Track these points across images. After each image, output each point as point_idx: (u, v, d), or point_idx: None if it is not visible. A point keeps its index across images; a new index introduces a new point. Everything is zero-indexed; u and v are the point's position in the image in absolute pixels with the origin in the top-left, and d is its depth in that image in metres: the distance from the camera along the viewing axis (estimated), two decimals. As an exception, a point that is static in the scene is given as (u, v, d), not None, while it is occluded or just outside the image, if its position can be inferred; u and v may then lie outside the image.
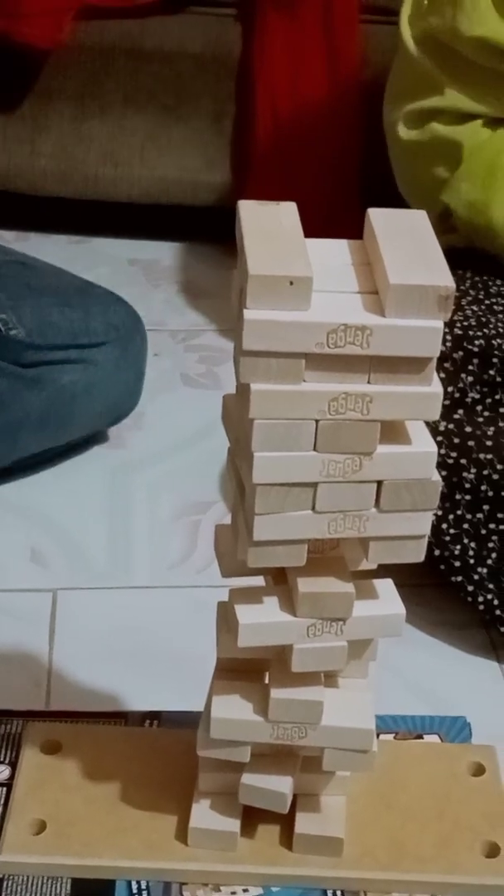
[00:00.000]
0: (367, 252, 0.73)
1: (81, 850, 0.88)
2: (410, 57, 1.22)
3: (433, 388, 0.72)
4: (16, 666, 1.07)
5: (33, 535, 1.22)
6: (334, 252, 0.74)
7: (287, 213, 0.73)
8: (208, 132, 1.65)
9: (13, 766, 0.94)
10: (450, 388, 1.11)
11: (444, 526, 1.07)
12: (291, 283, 0.68)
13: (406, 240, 0.71)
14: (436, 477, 0.74)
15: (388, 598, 0.81)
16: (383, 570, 0.81)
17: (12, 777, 0.93)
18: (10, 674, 1.06)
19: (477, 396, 1.11)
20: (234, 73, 1.62)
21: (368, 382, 0.71)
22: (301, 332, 0.69)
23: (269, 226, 0.71)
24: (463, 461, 1.07)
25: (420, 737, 1.00)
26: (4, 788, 0.93)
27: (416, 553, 0.77)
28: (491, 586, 1.08)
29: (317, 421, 0.71)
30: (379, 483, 0.74)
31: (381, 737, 0.95)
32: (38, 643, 1.09)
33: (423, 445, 0.74)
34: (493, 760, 0.95)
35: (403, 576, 0.83)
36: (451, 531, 1.08)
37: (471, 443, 1.08)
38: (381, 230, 0.71)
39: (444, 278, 0.68)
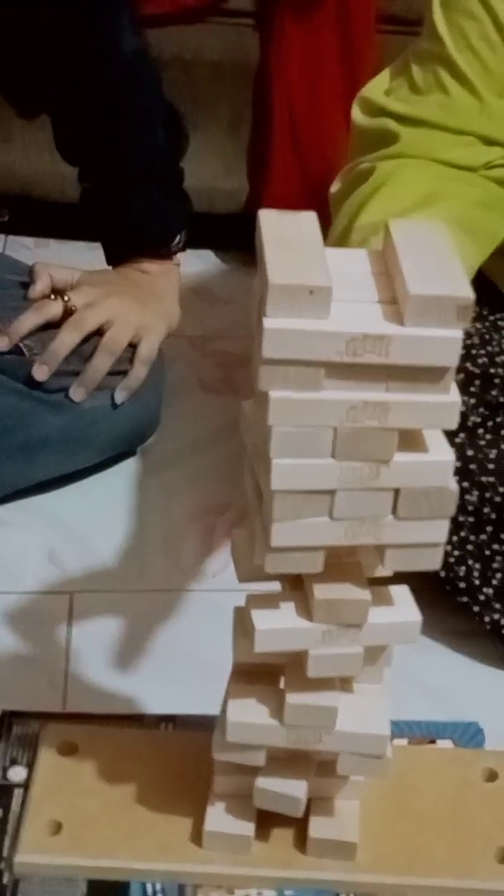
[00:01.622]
0: (385, 262, 0.74)
1: (97, 852, 0.88)
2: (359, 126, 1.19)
3: (451, 397, 0.72)
4: (33, 667, 1.08)
5: (50, 537, 1.23)
6: (353, 261, 0.74)
7: (307, 222, 0.73)
8: (225, 139, 1.65)
9: (30, 767, 0.94)
10: None
11: (448, 548, 1.08)
12: (311, 293, 0.68)
13: (424, 250, 0.72)
14: (453, 485, 0.75)
15: (403, 605, 0.82)
16: (398, 577, 0.82)
17: (29, 778, 0.93)
18: (28, 675, 1.07)
19: (479, 420, 1.11)
20: (252, 82, 1.63)
21: (387, 391, 0.71)
22: (320, 341, 0.69)
23: (288, 235, 0.72)
24: (465, 484, 1.08)
25: (433, 742, 1.00)
26: (21, 789, 0.93)
27: (432, 561, 0.77)
28: (497, 606, 1.08)
29: (335, 429, 0.72)
30: (396, 491, 0.74)
31: (395, 742, 0.96)
32: (55, 645, 1.10)
33: (441, 454, 0.75)
34: (506, 766, 0.95)
35: (418, 583, 0.84)
36: (456, 553, 1.08)
37: (472, 466, 1.08)
38: (401, 241, 0.72)
39: (462, 289, 0.69)
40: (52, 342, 1.22)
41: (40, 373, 1.22)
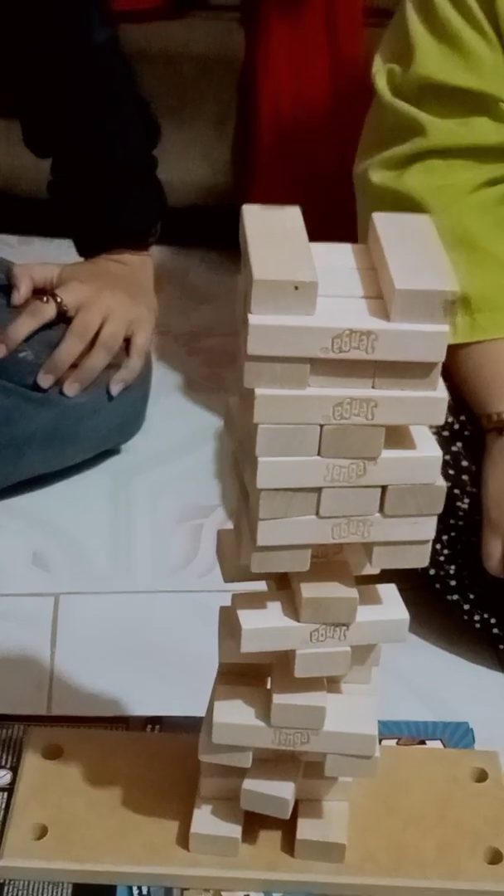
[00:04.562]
0: (371, 256, 0.73)
1: (82, 855, 0.87)
2: (387, 105, 1.16)
3: (438, 392, 0.71)
4: (18, 670, 1.07)
5: (35, 538, 1.22)
6: (339, 256, 0.73)
7: (291, 217, 0.72)
8: (211, 135, 1.65)
9: (14, 770, 0.93)
10: (450, 419, 1.10)
11: (439, 546, 1.07)
12: (296, 288, 0.68)
13: (411, 244, 0.71)
14: (440, 482, 0.74)
15: (391, 604, 0.81)
16: (386, 576, 0.81)
17: (14, 782, 0.93)
18: (12, 678, 1.06)
19: (476, 430, 1.11)
20: (238, 77, 1.62)
21: (373, 387, 0.70)
22: (306, 337, 0.68)
23: (273, 230, 0.71)
24: (457, 491, 1.08)
25: (423, 742, 0.99)
26: (6, 793, 0.92)
27: (420, 558, 0.77)
28: (487, 606, 1.08)
29: (321, 426, 0.71)
30: (383, 488, 0.74)
31: (384, 742, 0.95)
32: (40, 647, 1.09)
33: (428, 450, 0.74)
34: (495, 766, 0.95)
35: (406, 583, 0.83)
36: (446, 551, 1.08)
37: (465, 476, 1.08)
38: (386, 235, 0.71)
39: (449, 283, 0.68)
40: (57, 351, 1.23)
41: (45, 381, 1.22)
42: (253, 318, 0.68)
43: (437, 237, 0.72)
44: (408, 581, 0.83)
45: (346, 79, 1.56)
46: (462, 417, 1.11)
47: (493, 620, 1.08)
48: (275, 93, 1.59)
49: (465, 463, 1.09)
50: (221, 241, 1.64)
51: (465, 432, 1.11)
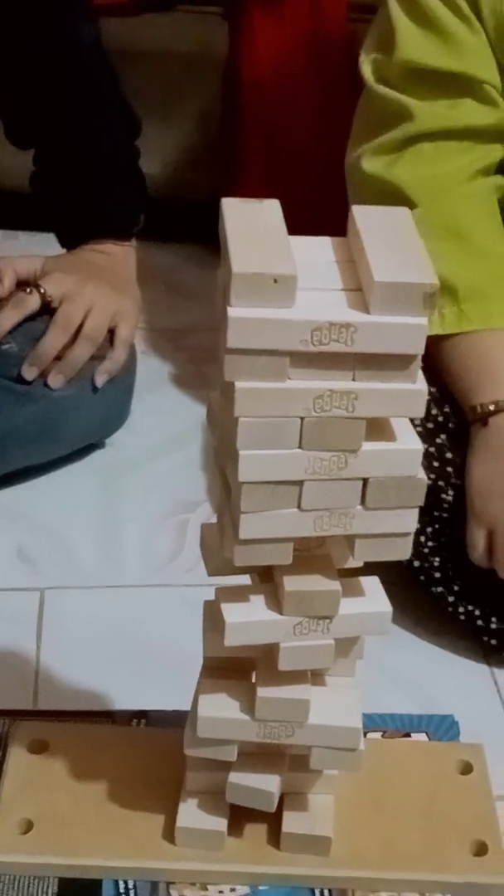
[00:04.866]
0: (350, 249, 0.73)
1: (68, 850, 0.87)
2: (374, 93, 1.17)
3: (418, 385, 0.71)
4: (3, 665, 1.07)
5: (20, 533, 1.22)
6: (318, 249, 0.73)
7: (270, 210, 0.72)
8: (195, 132, 1.64)
9: (0, 765, 0.93)
10: (434, 411, 1.10)
11: (423, 538, 1.07)
12: (276, 281, 0.68)
13: (390, 237, 0.71)
14: (421, 474, 0.74)
15: (374, 596, 0.81)
16: (371, 569, 0.81)
17: (-1, 777, 0.93)
18: (-2, 673, 1.06)
19: (460, 423, 1.11)
20: (221, 73, 1.62)
21: (353, 380, 0.70)
22: (285, 330, 0.68)
23: (252, 223, 0.71)
24: (441, 483, 1.08)
25: (408, 735, 1.00)
26: (-9, 788, 0.92)
27: (402, 550, 0.77)
28: (471, 597, 1.08)
29: (302, 418, 0.71)
30: (365, 480, 0.74)
31: (369, 735, 0.95)
32: (26, 642, 1.09)
33: (409, 443, 0.74)
34: (480, 759, 0.95)
35: (390, 574, 0.83)
36: (430, 543, 1.08)
37: (450, 469, 1.08)
38: (365, 227, 0.71)
39: (428, 275, 0.68)
40: (41, 343, 1.22)
41: (30, 374, 1.22)
42: (232, 311, 0.68)
43: (416, 230, 0.72)
44: (392, 573, 0.83)
45: (330, 73, 1.56)
46: (446, 409, 1.11)
47: (477, 612, 1.08)
48: (258, 88, 1.58)
49: (449, 455, 1.09)
50: (207, 237, 1.64)
51: (449, 424, 1.11)
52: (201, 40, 1.61)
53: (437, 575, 1.08)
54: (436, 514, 1.08)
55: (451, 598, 1.08)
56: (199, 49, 1.60)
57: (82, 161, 1.31)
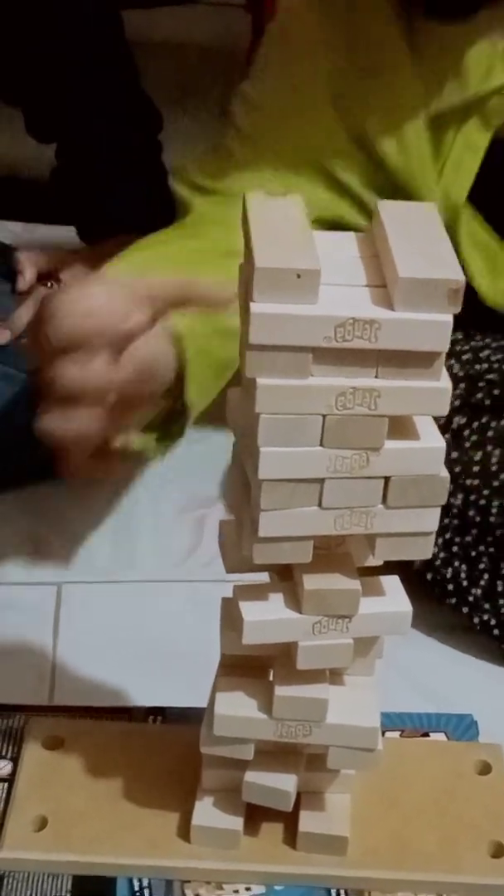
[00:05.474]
0: (375, 245, 0.72)
1: (83, 847, 0.87)
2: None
3: (442, 382, 0.71)
4: (19, 660, 1.06)
5: (37, 528, 1.21)
6: (342, 245, 0.73)
7: (294, 205, 0.72)
8: (215, 124, 1.64)
9: (15, 761, 0.93)
10: None
11: (434, 549, 1.06)
12: (299, 277, 0.67)
13: (415, 233, 0.70)
14: (444, 473, 0.73)
15: (394, 596, 0.80)
16: (388, 570, 0.80)
17: (14, 773, 0.92)
18: (14, 668, 1.05)
19: (463, 421, 1.10)
20: (242, 65, 1.61)
21: (376, 377, 0.70)
22: (308, 326, 0.68)
23: (276, 218, 0.70)
24: (449, 487, 1.06)
25: (426, 734, 0.99)
26: (6, 784, 0.92)
27: (423, 550, 0.76)
28: (486, 606, 1.07)
29: (324, 416, 0.70)
30: (386, 479, 0.73)
31: (387, 734, 0.95)
32: (43, 637, 1.09)
33: (431, 441, 0.73)
34: (499, 759, 0.94)
35: (405, 579, 0.82)
36: (442, 554, 1.07)
37: (457, 469, 1.07)
38: (390, 223, 0.70)
39: (453, 272, 0.67)
40: None
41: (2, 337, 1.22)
42: (255, 307, 0.67)
43: (442, 225, 0.71)
44: (406, 578, 0.82)
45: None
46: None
47: (493, 622, 1.07)
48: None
49: (455, 455, 1.08)
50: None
51: (451, 424, 1.10)
52: (222, 32, 1.60)
53: (450, 587, 1.07)
54: (445, 521, 1.06)
55: (465, 609, 1.08)
56: (219, 41, 1.60)
57: (102, 156, 1.30)
